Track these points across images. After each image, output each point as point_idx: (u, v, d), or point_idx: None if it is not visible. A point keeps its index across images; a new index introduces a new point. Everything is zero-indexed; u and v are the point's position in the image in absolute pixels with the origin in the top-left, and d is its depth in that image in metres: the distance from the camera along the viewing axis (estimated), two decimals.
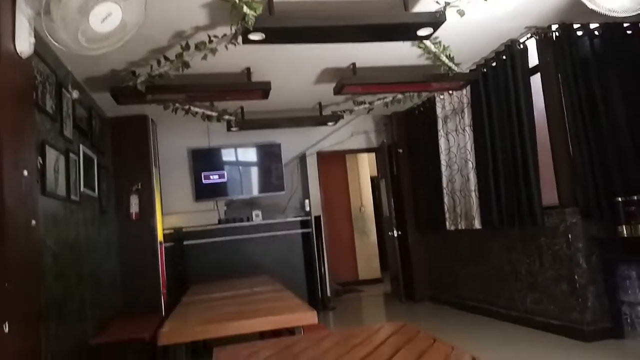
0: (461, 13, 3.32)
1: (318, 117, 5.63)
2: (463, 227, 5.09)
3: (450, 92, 5.11)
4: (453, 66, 4.33)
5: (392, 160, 6.52)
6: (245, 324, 2.27)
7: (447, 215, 5.35)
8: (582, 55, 3.90)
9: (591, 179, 3.75)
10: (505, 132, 4.31)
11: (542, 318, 4.09)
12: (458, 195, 5.16)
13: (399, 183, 6.41)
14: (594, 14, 2.75)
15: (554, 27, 3.93)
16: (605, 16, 2.70)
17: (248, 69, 4.22)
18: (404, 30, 3.41)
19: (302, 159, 6.60)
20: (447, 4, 3.20)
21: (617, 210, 3.62)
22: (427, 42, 3.91)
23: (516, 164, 4.17)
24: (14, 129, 1.92)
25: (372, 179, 8.45)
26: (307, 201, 6.33)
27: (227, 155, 6.34)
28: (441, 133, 5.40)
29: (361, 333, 1.92)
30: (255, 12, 2.93)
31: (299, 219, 6.24)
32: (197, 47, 3.51)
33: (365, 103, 5.49)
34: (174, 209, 6.03)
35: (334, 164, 8.09)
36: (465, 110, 4.93)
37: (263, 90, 4.26)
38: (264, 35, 3.19)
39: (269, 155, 6.40)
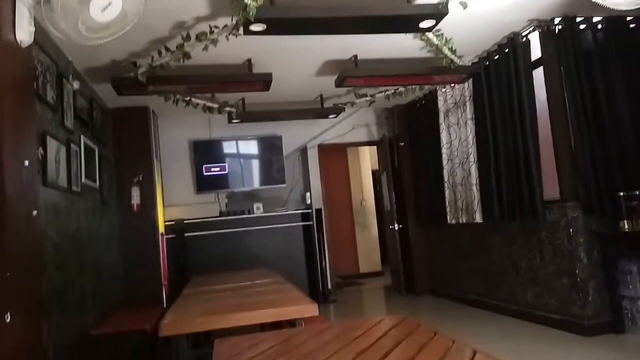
0: (464, 5, 3.29)
1: (319, 110, 5.62)
2: (464, 221, 5.08)
3: (452, 85, 5.09)
4: (455, 59, 4.31)
5: (393, 153, 6.51)
6: (247, 316, 2.27)
7: (448, 209, 5.34)
8: (585, 48, 3.87)
9: (593, 173, 3.74)
10: (507, 125, 4.30)
11: (542, 312, 4.10)
12: (459, 188, 5.16)
13: (400, 176, 6.41)
14: (597, 7, 2.73)
15: (557, 20, 3.90)
16: (609, 9, 2.68)
17: (249, 60, 4.20)
18: (406, 22, 3.39)
19: (304, 151, 6.58)
20: None
21: (618, 205, 3.61)
22: (430, 35, 3.89)
23: (518, 158, 4.16)
24: (15, 119, 1.91)
25: (373, 172, 8.45)
26: (308, 194, 6.33)
27: (228, 147, 6.33)
28: (443, 126, 5.38)
29: (362, 325, 1.92)
30: (257, 2, 2.91)
31: (300, 211, 6.24)
32: (198, 37, 3.50)
33: (366, 96, 5.47)
34: (175, 201, 6.03)
35: (335, 156, 8.08)
36: (467, 104, 4.91)
37: (264, 81, 4.24)
38: (265, 26, 3.17)
39: (270, 148, 6.39)
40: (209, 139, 6.25)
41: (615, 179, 3.70)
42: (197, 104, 4.99)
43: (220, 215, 6.06)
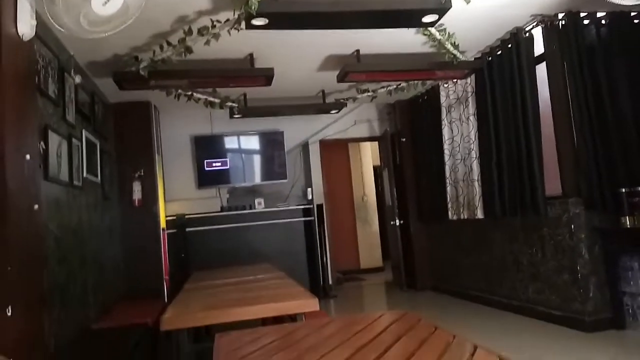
0: (467, 0, 3.28)
1: (321, 105, 5.61)
2: (465, 217, 5.08)
3: (455, 80, 5.07)
4: (458, 54, 4.29)
5: (395, 149, 6.49)
6: (248, 311, 2.28)
7: (449, 205, 5.34)
8: (589, 44, 3.85)
9: (595, 169, 3.73)
10: (509, 121, 4.28)
11: (543, 308, 4.10)
12: (461, 184, 5.15)
13: (402, 172, 6.40)
14: (601, 3, 2.71)
15: (560, 15, 3.88)
16: (613, 5, 2.67)
17: (251, 55, 4.19)
18: (409, 17, 3.38)
19: (305, 147, 6.58)
20: None
21: (620, 201, 3.60)
22: (432, 29, 3.88)
23: (520, 154, 4.15)
24: (16, 113, 1.91)
25: (375, 167, 8.44)
26: (309, 189, 6.33)
27: (230, 142, 6.33)
28: (445, 122, 5.37)
29: (362, 320, 1.92)
30: None
31: (301, 207, 6.24)
32: (200, 32, 3.49)
33: (368, 91, 5.45)
34: (176, 196, 6.04)
35: (336, 152, 8.07)
36: (470, 99, 4.89)
37: (266, 76, 4.23)
38: (267, 21, 3.17)
39: (272, 143, 6.38)
40: (210, 134, 6.25)
41: (618, 175, 3.69)
42: (199, 99, 4.98)
43: (221, 211, 6.06)
